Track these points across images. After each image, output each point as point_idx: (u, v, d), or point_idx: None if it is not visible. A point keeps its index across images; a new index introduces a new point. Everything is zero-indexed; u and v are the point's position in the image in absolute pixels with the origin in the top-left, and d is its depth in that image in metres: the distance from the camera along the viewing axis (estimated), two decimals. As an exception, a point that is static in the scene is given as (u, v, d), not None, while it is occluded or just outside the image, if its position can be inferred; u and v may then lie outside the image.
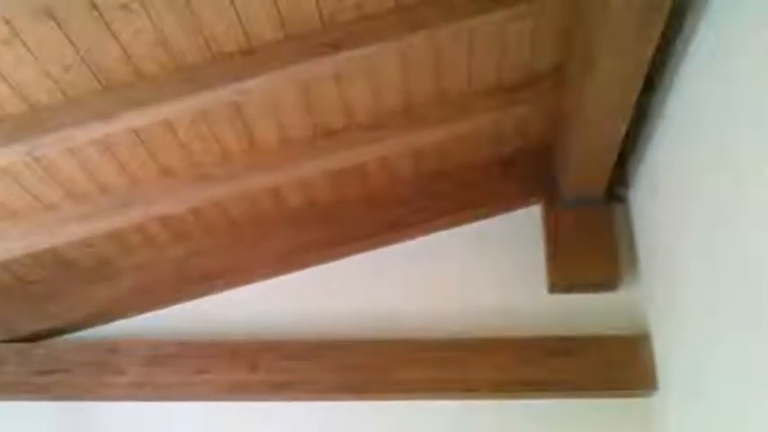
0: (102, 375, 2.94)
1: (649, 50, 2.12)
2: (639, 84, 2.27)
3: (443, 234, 3.15)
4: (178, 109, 2.35)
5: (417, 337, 2.91)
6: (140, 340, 3.01)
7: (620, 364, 2.80)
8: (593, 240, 2.96)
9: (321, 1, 2.21)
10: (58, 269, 3.07)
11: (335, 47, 2.26)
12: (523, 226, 3.11)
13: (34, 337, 3.06)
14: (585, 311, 2.94)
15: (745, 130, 1.92)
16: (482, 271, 3.08)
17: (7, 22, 2.00)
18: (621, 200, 3.07)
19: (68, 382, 2.95)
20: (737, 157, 1.97)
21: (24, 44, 2.08)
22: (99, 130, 2.32)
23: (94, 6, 2.04)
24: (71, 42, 2.12)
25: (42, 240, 2.75)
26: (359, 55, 2.29)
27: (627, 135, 2.60)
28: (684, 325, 2.46)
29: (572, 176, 2.82)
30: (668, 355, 2.66)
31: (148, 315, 3.11)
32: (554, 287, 2.97)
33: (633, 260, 2.99)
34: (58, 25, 2.06)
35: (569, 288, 2.96)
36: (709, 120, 2.16)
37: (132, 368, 2.95)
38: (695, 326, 2.36)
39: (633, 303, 2.93)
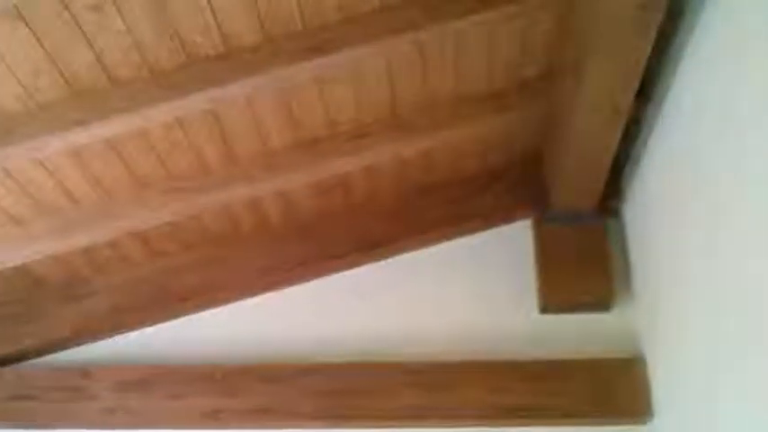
0: (74, 401, 2.87)
1: (645, 52, 2.07)
2: (634, 88, 2.22)
3: (429, 251, 3.08)
4: (153, 116, 2.29)
5: (402, 361, 2.84)
6: (113, 364, 2.94)
7: (613, 390, 2.74)
8: (585, 257, 2.91)
9: (302, 1, 2.15)
10: (27, 288, 2.99)
11: (317, 50, 2.21)
12: (513, 242, 3.04)
13: (2, 362, 2.97)
14: (578, 333, 2.87)
15: (747, 138, 1.86)
16: (469, 290, 3.00)
17: (-27, 24, 1.95)
18: (615, 214, 3.02)
19: (38, 409, 2.87)
20: (739, 167, 1.91)
21: (-9, 46, 2.02)
22: (70, 139, 2.26)
23: (66, 7, 1.98)
24: (41, 45, 2.06)
25: (10, 257, 2.67)
26: (342, 58, 2.24)
27: (621, 145, 2.56)
28: (682, 348, 2.40)
29: (563, 189, 2.77)
30: (664, 380, 2.60)
31: (122, 337, 3.03)
32: (545, 307, 2.91)
33: (628, 278, 2.94)
34: (28, 27, 1.99)
35: (561, 308, 2.90)
36: (708, 127, 2.10)
37: (105, 394, 2.87)
38: (694, 349, 2.30)
39: (628, 324, 2.87)
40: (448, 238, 3.08)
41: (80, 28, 2.04)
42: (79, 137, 2.26)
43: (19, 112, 2.21)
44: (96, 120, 2.22)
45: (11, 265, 2.71)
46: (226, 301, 3.05)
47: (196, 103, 2.27)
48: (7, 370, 2.94)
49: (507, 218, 3.08)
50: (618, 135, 2.44)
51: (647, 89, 2.46)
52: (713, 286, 2.12)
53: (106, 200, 2.63)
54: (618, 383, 2.74)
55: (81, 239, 2.70)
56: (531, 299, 2.94)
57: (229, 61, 2.22)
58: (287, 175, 2.67)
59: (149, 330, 3.03)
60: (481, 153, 3.01)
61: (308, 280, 3.05)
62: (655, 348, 2.69)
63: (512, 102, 2.69)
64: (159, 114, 2.28)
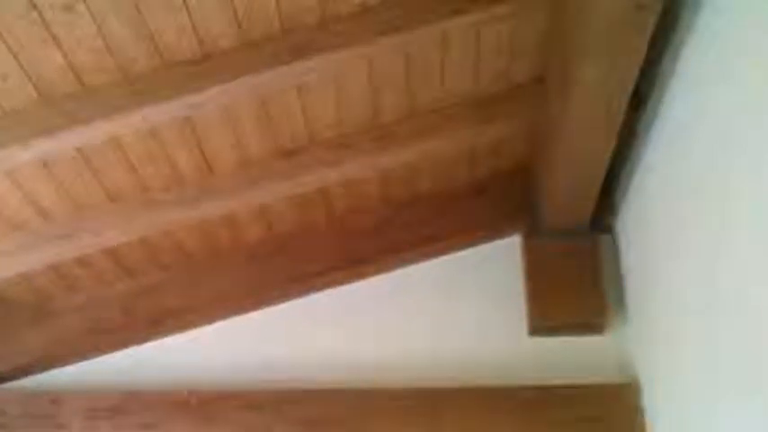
0: (43, 429, 2.80)
1: (641, 54, 2.02)
2: (627, 93, 2.17)
3: (413, 269, 3.02)
4: (126, 124, 2.23)
5: (386, 387, 2.78)
6: (84, 390, 2.87)
7: (606, 416, 2.69)
8: (577, 276, 2.85)
9: (282, 2, 2.10)
10: (-9, 309, 2.93)
11: (297, 53, 2.16)
12: (501, 259, 2.97)
13: (-34, 388, 2.90)
14: (569, 356, 2.82)
15: (748, 146, 1.79)
16: (456, 311, 2.93)
17: (-64, 24, 1.89)
18: (608, 230, 2.97)
19: (5, 438, 2.81)
20: (739, 179, 1.84)
21: (-44, 48, 1.96)
22: (39, 147, 2.19)
23: (34, 7, 1.91)
24: (8, 47, 1.99)
25: (-26, 275, 2.61)
26: (322, 62, 2.20)
27: (614, 156, 2.51)
28: (678, 373, 2.34)
29: (554, 203, 2.71)
30: (660, 407, 2.55)
31: (93, 361, 2.96)
32: (535, 329, 2.85)
33: (621, 298, 2.88)
34: (-6, 27, 1.94)
35: (552, 330, 2.84)
36: (707, 135, 2.03)
37: (75, 422, 2.80)
38: (690, 374, 2.24)
39: (621, 348, 2.81)
40: (432, 255, 3.02)
41: (49, 29, 1.98)
42: (48, 145, 2.20)
43: (-16, 118, 2.15)
44: (66, 127, 2.16)
45: (-26, 283, 2.66)
46: (202, 323, 2.98)
47: (171, 109, 2.22)
48: (-29, 396, 2.88)
49: (496, 234, 3.03)
50: (612, 142, 2.39)
51: (643, 94, 2.42)
52: (712, 307, 2.06)
53: (76, 214, 2.57)
54: (611, 409, 2.69)
55: (50, 256, 2.64)
56: (521, 320, 2.87)
57: (206, 65, 2.17)
58: (265, 186, 2.63)
59: (122, 354, 2.96)
60: (468, 163, 2.96)
61: (288, 300, 2.99)
62: (650, 373, 2.64)
63: (500, 108, 2.65)
64: (132, 122, 2.23)
